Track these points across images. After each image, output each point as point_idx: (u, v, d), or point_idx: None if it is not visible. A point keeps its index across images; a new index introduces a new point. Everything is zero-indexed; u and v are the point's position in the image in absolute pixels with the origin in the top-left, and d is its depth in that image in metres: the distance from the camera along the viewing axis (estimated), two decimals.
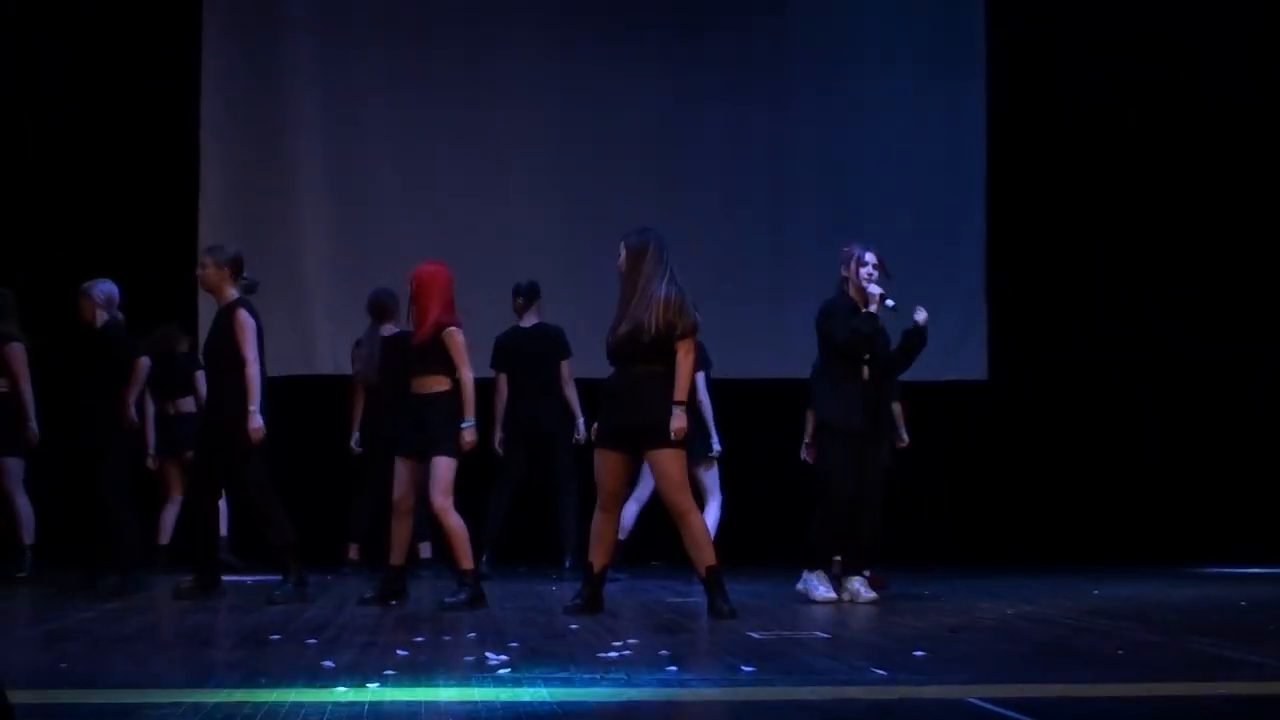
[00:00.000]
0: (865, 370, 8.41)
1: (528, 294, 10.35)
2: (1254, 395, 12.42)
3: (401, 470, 8.19)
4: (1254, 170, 12.42)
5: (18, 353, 9.80)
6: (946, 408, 11.95)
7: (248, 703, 4.91)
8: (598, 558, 7.81)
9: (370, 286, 10.55)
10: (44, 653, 6.08)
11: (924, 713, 4.98)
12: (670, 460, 7.65)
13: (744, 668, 5.64)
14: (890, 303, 8.39)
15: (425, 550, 10.20)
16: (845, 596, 8.43)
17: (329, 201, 11.92)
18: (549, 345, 10.23)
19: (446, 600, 7.97)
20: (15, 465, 9.85)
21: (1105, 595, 8.94)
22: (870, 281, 8.39)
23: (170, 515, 10.70)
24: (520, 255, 11.54)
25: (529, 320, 10.32)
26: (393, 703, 4.94)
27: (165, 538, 10.64)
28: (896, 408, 9.62)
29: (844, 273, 8.50)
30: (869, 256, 8.45)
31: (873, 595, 8.43)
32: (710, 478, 9.83)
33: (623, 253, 7.77)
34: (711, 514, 9.63)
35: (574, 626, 7.08)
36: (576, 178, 11.99)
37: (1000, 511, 12.15)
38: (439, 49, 12.09)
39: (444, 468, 8.03)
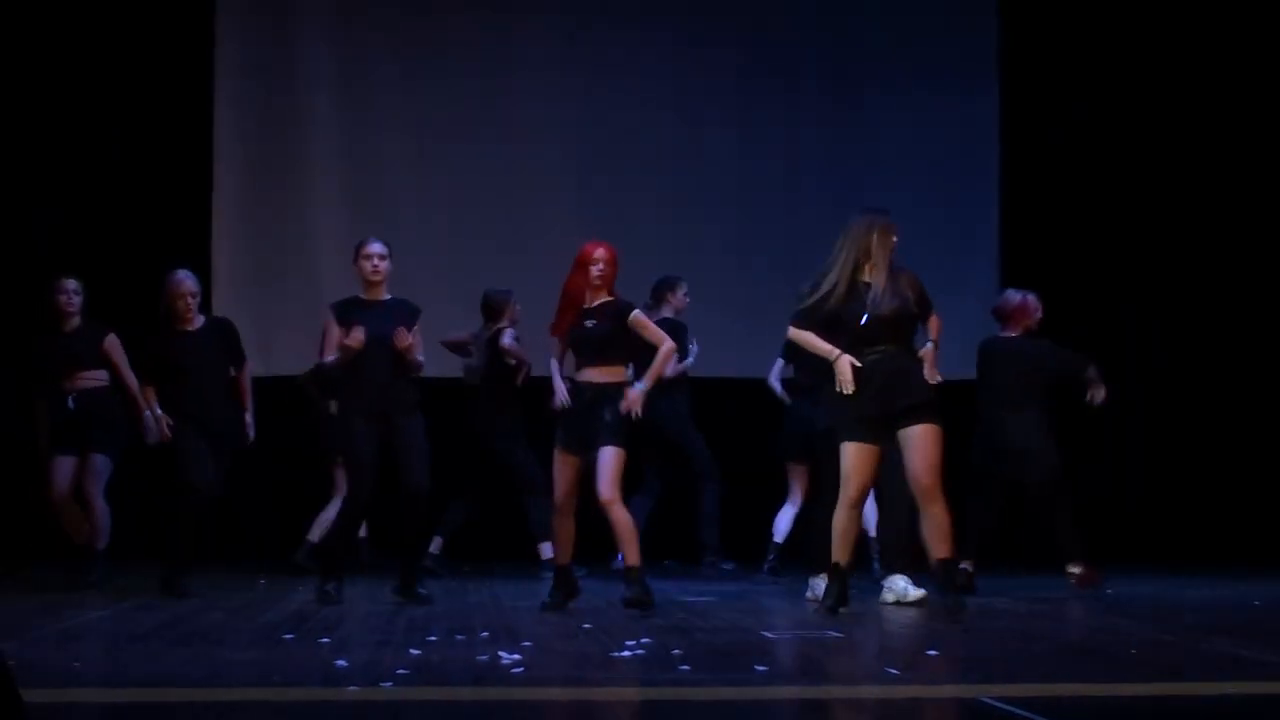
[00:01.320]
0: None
1: (658, 289, 10.25)
2: (1254, 399, 12.38)
3: (565, 467, 7.86)
4: (1272, 175, 12.37)
5: (117, 343, 9.44)
6: (958, 411, 11.89)
7: (261, 702, 4.92)
8: (844, 555, 7.59)
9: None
10: (58, 651, 6.09)
11: (938, 712, 4.98)
12: (935, 437, 7.50)
13: (758, 667, 5.64)
14: None
15: (546, 550, 9.84)
16: (889, 598, 8.31)
17: (343, 200, 11.90)
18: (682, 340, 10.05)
19: (626, 598, 7.72)
20: (103, 464, 9.35)
21: (1119, 595, 8.93)
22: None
23: (332, 513, 10.51)
24: (535, 254, 11.53)
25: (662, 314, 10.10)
26: (406, 702, 4.94)
27: (316, 535, 10.38)
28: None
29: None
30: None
31: (921, 593, 8.26)
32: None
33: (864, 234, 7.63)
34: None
35: (587, 626, 7.08)
36: (590, 178, 11.98)
37: (1013, 510, 12.09)
38: (453, 47, 12.08)
39: (614, 458, 7.71)
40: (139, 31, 11.74)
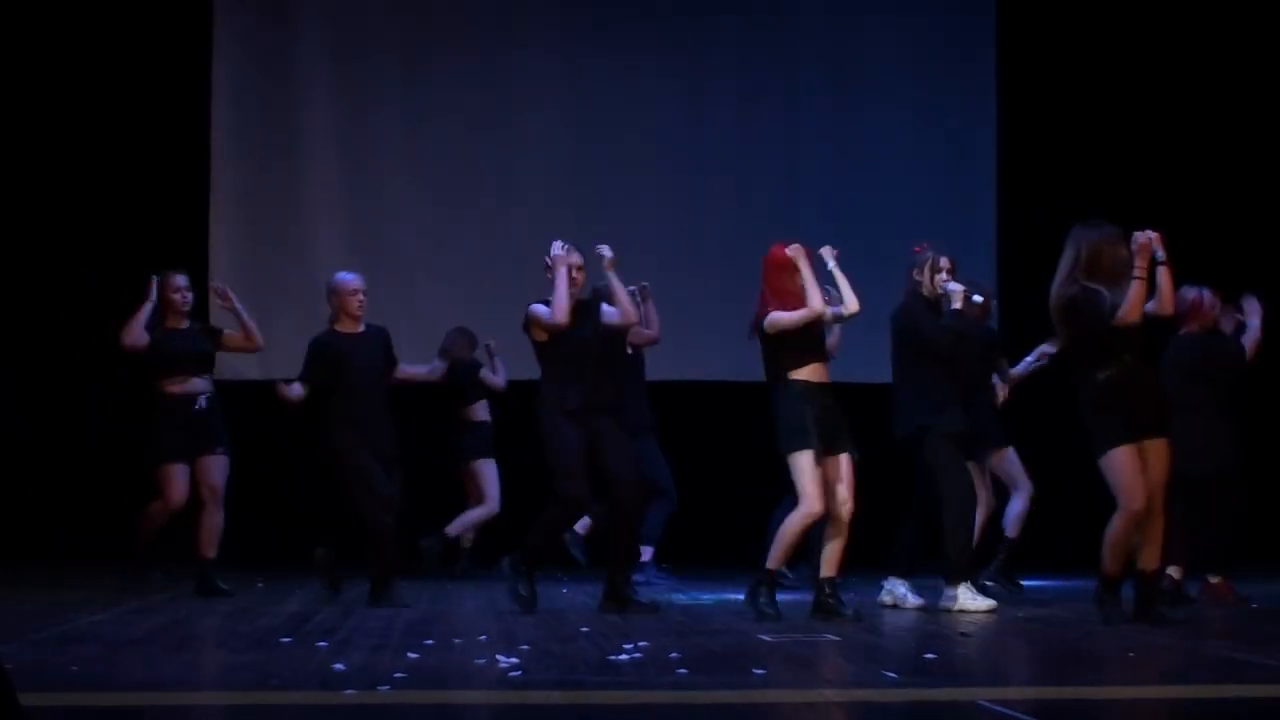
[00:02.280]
0: (958, 369, 8.27)
1: None
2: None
3: (814, 471, 7.61)
4: (1274, 178, 12.36)
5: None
6: None
7: (258, 705, 4.92)
8: (1118, 564, 7.42)
9: (381, 292, 10.59)
10: (56, 655, 6.08)
11: (935, 716, 4.98)
12: (1168, 450, 7.45)
13: (755, 670, 5.64)
14: (977, 297, 8.31)
15: (646, 554, 9.83)
16: (888, 600, 8.29)
17: (341, 207, 11.90)
18: None
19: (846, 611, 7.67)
20: (227, 468, 8.98)
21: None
22: (952, 283, 8.24)
23: (476, 516, 10.42)
24: (534, 263, 11.51)
25: None
26: (403, 706, 4.94)
27: (465, 537, 10.41)
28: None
29: (916, 276, 8.35)
30: (944, 261, 8.33)
31: (919, 601, 8.28)
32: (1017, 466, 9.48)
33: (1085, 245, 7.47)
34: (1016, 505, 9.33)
35: (585, 629, 7.07)
36: (589, 186, 11.96)
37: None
38: (451, 56, 12.07)
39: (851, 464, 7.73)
40: (136, 46, 11.75)
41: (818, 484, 7.55)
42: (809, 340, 7.79)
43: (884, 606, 8.28)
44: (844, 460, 7.70)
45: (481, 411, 10.56)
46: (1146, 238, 7.37)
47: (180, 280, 9.09)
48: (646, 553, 9.83)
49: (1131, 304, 7.27)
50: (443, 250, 11.81)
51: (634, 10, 12.27)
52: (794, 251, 7.83)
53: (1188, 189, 12.36)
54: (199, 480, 8.96)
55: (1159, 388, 7.55)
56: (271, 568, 10.22)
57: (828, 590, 7.70)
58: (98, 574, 9.91)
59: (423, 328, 10.60)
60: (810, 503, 7.54)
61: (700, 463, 10.92)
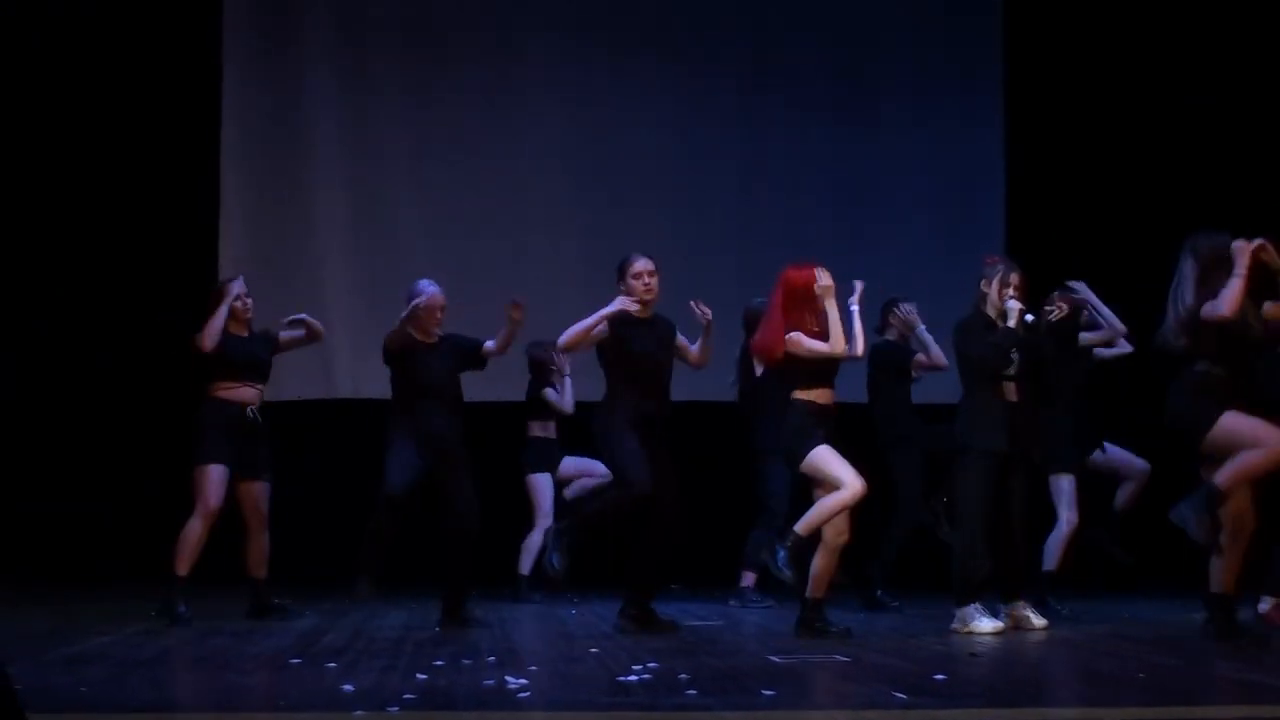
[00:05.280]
0: (1011, 388, 8.20)
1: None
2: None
3: (837, 458, 7.64)
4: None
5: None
6: None
7: None
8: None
9: (388, 310, 10.58)
10: (64, 676, 6.08)
11: None
12: None
13: (765, 691, 5.63)
14: (1030, 317, 8.23)
15: (747, 579, 9.88)
16: (1009, 624, 8.19)
17: (348, 227, 11.94)
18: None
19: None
20: (269, 491, 8.92)
21: (1128, 619, 8.91)
22: (1012, 299, 8.20)
23: (534, 543, 10.31)
24: (541, 279, 11.57)
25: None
26: None
27: (528, 566, 10.36)
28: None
29: (984, 288, 8.31)
30: (1014, 277, 8.26)
31: (1044, 622, 8.23)
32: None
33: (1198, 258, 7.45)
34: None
35: (594, 650, 7.07)
36: (594, 201, 12.02)
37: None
38: (457, 77, 12.11)
39: None
40: (145, 65, 11.82)
41: (847, 465, 7.57)
42: (824, 365, 7.79)
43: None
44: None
45: (538, 428, 10.53)
46: (1252, 243, 7.37)
47: (238, 286, 8.91)
48: (748, 579, 9.90)
49: (1229, 299, 7.24)
50: (449, 272, 11.74)
51: (639, 25, 12.31)
52: (824, 287, 7.79)
53: (1195, 198, 12.36)
54: (246, 505, 8.88)
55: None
56: (283, 587, 10.22)
57: (812, 610, 7.73)
58: (114, 597, 9.92)
59: None
60: (850, 484, 7.53)
61: (700, 481, 10.91)
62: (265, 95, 11.93)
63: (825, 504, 7.58)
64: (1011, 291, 8.22)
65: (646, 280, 8.24)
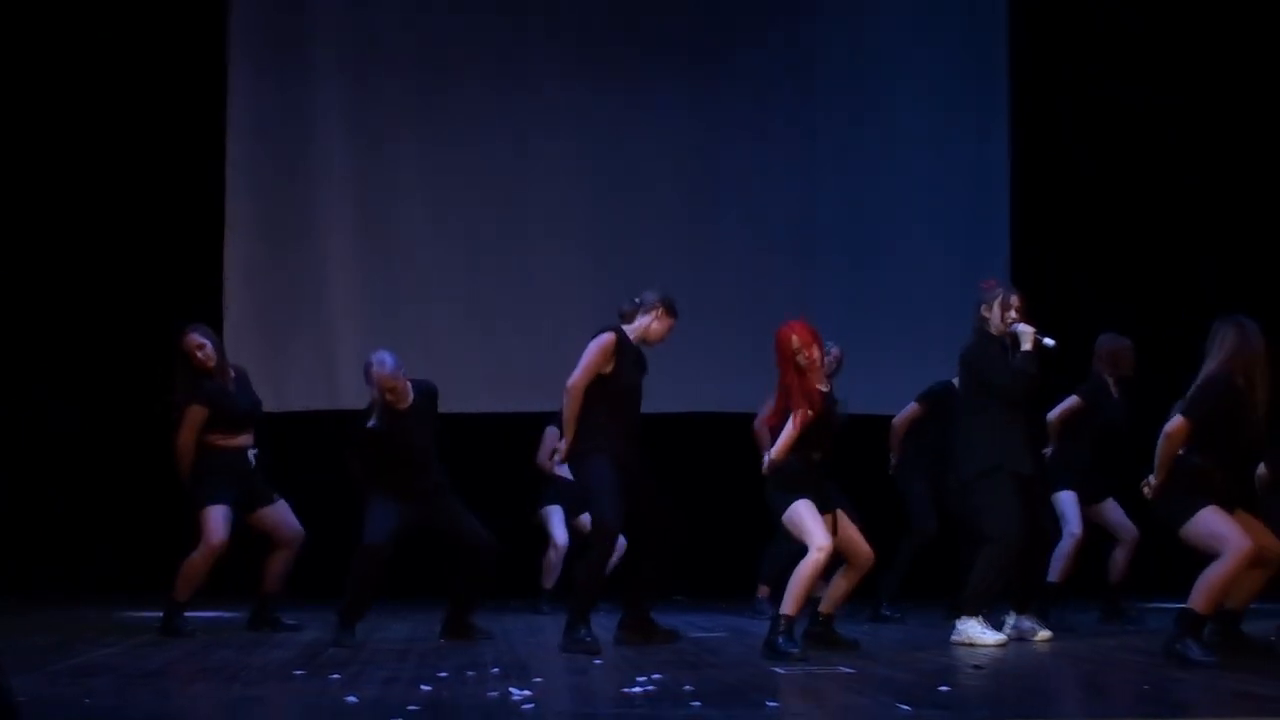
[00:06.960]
0: (1019, 410, 8.17)
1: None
2: None
3: (813, 512, 7.51)
4: None
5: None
6: None
7: None
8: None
9: (392, 320, 10.54)
10: (69, 687, 6.08)
11: None
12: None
13: (769, 703, 5.62)
14: (1049, 341, 8.13)
15: (762, 592, 9.93)
16: (1013, 634, 8.20)
17: (354, 239, 11.93)
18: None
19: None
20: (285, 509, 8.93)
21: (1135, 629, 8.90)
22: (1023, 324, 8.13)
23: (554, 560, 10.46)
24: (546, 294, 11.57)
25: None
26: None
27: (550, 581, 10.44)
28: None
29: (984, 313, 8.23)
30: (1014, 299, 8.20)
31: (1048, 633, 8.26)
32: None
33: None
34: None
35: (598, 662, 7.06)
36: (602, 214, 12.01)
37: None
38: (464, 88, 12.09)
39: None
40: (152, 77, 11.82)
41: (819, 522, 7.38)
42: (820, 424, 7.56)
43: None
44: (841, 515, 7.61)
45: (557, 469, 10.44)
46: None
47: (195, 337, 8.68)
48: (763, 591, 9.94)
49: None
50: (455, 286, 11.81)
51: (647, 41, 12.29)
52: (799, 344, 7.59)
53: (1202, 212, 12.37)
54: (265, 528, 8.90)
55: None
56: (285, 598, 10.21)
57: (823, 624, 7.78)
58: (118, 609, 9.91)
59: (437, 361, 10.58)
60: (818, 543, 7.31)
61: (707, 494, 10.93)
62: (271, 104, 11.92)
63: (800, 575, 7.31)
64: (1014, 314, 8.18)
65: (665, 335, 8.30)
